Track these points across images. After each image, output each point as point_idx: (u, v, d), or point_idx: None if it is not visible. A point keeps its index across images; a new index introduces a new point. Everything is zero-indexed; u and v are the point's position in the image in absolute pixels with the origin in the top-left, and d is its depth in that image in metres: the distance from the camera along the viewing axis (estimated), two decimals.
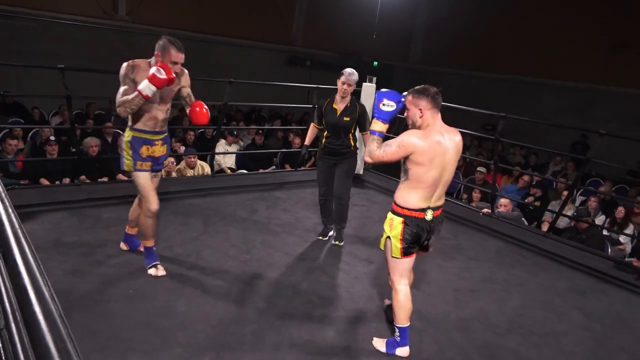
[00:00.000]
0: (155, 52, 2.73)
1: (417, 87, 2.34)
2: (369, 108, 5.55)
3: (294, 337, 2.58)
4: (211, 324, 2.59)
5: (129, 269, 3.05)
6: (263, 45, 11.94)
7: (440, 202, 2.42)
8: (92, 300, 2.66)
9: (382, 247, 2.51)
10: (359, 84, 5.76)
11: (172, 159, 5.41)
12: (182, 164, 5.69)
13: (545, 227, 5.71)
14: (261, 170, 6.28)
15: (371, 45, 13.10)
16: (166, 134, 3.00)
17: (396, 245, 2.41)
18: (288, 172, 6.00)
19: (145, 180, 2.92)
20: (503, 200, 5.36)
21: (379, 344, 2.59)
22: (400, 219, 2.38)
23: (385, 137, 2.40)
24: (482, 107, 5.71)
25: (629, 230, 5.72)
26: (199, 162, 5.77)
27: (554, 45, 11.51)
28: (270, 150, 7.23)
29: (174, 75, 2.70)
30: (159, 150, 2.97)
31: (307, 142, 4.00)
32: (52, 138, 5.59)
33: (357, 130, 3.78)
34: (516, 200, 6.09)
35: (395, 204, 2.40)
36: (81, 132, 6.52)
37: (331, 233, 4.05)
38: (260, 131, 7.74)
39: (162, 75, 2.62)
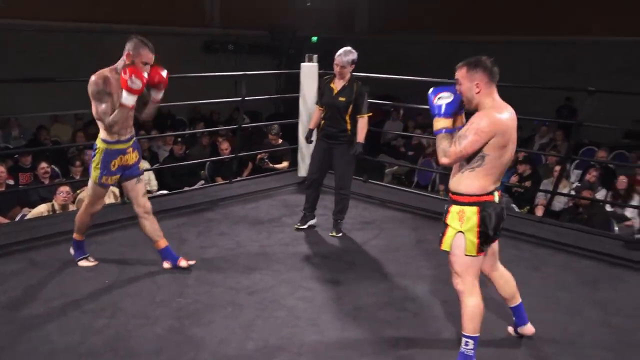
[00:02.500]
0: (126, 52, 3.20)
1: (468, 58, 2.54)
2: (311, 92, 5.62)
3: None
4: None
5: (25, 339, 2.86)
6: (170, 30, 11.72)
7: (500, 182, 2.61)
8: None
9: (446, 247, 2.60)
10: (297, 66, 5.79)
11: (66, 188, 5.18)
12: (86, 191, 5.45)
13: (540, 212, 5.91)
14: (186, 188, 6.13)
15: (308, 18, 13.20)
16: (135, 139, 3.53)
17: (472, 240, 2.52)
18: (221, 187, 5.89)
19: (102, 194, 3.57)
20: None
21: None
22: (474, 209, 2.50)
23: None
24: (452, 77, 5.86)
25: (635, 201, 6.02)
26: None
27: None
28: (194, 162, 7.09)
29: (144, 68, 3.20)
30: (132, 157, 3.50)
31: (311, 125, 4.61)
32: None
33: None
34: (503, 184, 6.25)
35: (461, 193, 2.54)
36: None
37: (312, 222, 4.63)
38: (179, 139, 7.57)
39: (138, 84, 3.15)
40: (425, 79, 4.89)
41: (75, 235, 3.70)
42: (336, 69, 4.24)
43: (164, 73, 3.37)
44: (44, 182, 5.97)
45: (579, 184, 5.89)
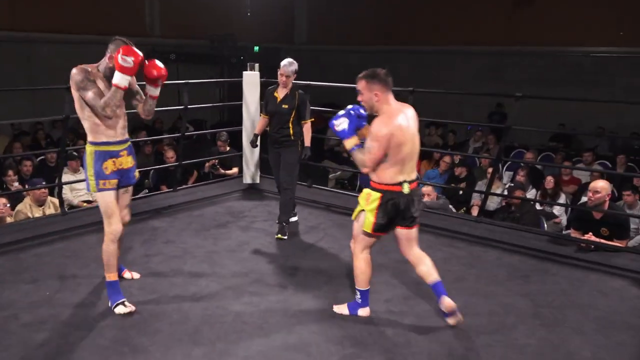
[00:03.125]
0: (109, 54, 3.07)
1: (365, 71, 2.92)
2: (254, 100, 5.63)
3: None
4: None
5: None
6: (108, 40, 11.40)
7: (414, 175, 3.01)
8: None
9: (353, 217, 3.12)
10: (241, 74, 5.79)
11: (3, 200, 4.94)
12: (26, 202, 5.23)
13: (475, 212, 6.11)
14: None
15: (249, 27, 13.15)
16: (129, 144, 3.31)
17: (369, 219, 2.98)
18: (165, 195, 5.77)
19: (109, 199, 3.17)
20: (426, 189, 5.65)
21: (341, 309, 3.24)
22: (378, 195, 2.94)
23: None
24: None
25: (562, 199, 6.32)
26: (48, 197, 5.37)
27: (457, 8, 12.42)
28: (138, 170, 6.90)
29: (141, 55, 3.02)
30: (126, 161, 3.27)
31: (257, 130, 4.85)
32: None
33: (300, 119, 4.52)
34: (440, 186, 6.45)
35: (373, 181, 2.97)
36: None
37: (293, 218, 4.83)
38: None
39: (129, 62, 2.94)
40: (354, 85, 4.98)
41: (107, 275, 3.22)
42: (281, 79, 4.45)
43: (162, 66, 3.22)
44: None
45: (512, 184, 6.13)
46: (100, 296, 3.39)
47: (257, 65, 5.85)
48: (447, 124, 10.66)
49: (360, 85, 2.90)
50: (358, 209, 3.05)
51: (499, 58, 12.39)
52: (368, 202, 2.97)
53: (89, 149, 3.15)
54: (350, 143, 2.97)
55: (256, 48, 13.18)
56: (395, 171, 2.90)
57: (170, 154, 7.15)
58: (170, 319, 3.15)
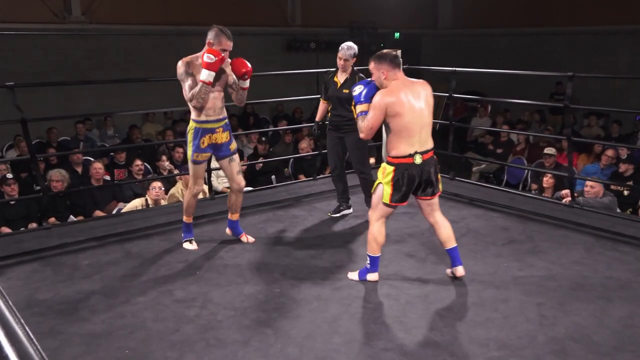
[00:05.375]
0: (208, 40, 3.60)
1: (376, 53, 3.30)
2: None
3: None
4: None
5: (121, 324, 3.06)
6: (252, 31, 12.04)
7: (428, 146, 3.30)
8: None
9: (372, 191, 3.44)
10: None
11: (159, 184, 5.46)
12: (178, 186, 5.74)
13: None
14: (270, 185, 6.29)
15: (389, 14, 13.13)
16: (226, 121, 3.95)
17: (387, 191, 3.30)
18: (304, 184, 6.00)
19: (199, 168, 3.97)
20: (590, 183, 5.21)
21: (352, 275, 3.59)
22: (392, 168, 3.26)
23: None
24: (539, 70, 5.65)
25: None
26: None
27: None
28: (278, 158, 7.25)
29: (223, 54, 3.58)
30: (221, 137, 3.91)
31: (317, 117, 5.02)
32: (10, 176, 5.71)
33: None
34: (602, 182, 5.95)
35: (387, 155, 3.32)
36: (45, 165, 6.65)
37: (346, 211, 4.93)
38: (263, 137, 7.77)
39: (212, 59, 3.51)
40: (503, 70, 4.77)
41: (184, 218, 4.11)
42: (340, 63, 4.59)
43: (248, 65, 3.75)
44: (137, 178, 6.33)
45: None
46: (245, 279, 3.63)
47: (399, 51, 5.80)
48: (609, 114, 9.79)
49: (371, 66, 3.29)
50: (376, 182, 3.37)
51: None
52: (384, 175, 3.29)
53: (191, 124, 3.84)
54: (360, 107, 3.30)
55: (397, 35, 13.12)
56: (406, 145, 3.21)
57: (304, 144, 7.39)
58: (310, 306, 3.28)
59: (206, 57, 3.52)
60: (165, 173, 6.50)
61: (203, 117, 3.80)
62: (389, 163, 3.28)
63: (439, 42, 14.45)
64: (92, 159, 6.71)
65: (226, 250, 4.10)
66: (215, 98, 3.79)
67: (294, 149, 8.24)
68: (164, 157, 6.66)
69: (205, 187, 5.70)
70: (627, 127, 9.74)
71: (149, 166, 6.93)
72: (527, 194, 5.88)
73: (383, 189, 3.30)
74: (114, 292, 3.45)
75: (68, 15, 10.11)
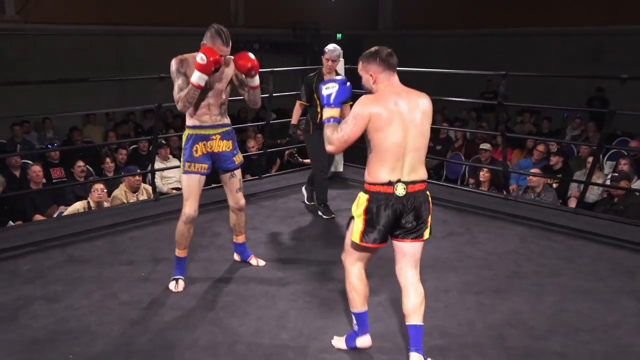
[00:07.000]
0: (202, 43, 3.16)
1: (367, 51, 2.56)
2: None
3: None
4: None
5: (64, 329, 2.96)
6: (194, 31, 11.77)
7: (417, 176, 2.49)
8: None
9: (346, 227, 2.65)
10: (321, 63, 5.86)
11: (101, 186, 5.30)
12: (121, 188, 5.59)
13: (572, 203, 5.83)
14: (213, 185, 6.21)
15: (331, 15, 13.21)
16: (227, 129, 3.45)
17: (357, 226, 2.51)
18: (250, 182, 5.95)
19: (192, 182, 3.34)
20: (533, 179, 5.46)
21: (338, 342, 2.80)
22: (366, 196, 2.49)
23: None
24: (475, 70, 5.81)
25: None
26: (142, 184, 5.71)
27: None
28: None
29: (220, 56, 3.12)
30: (218, 145, 3.39)
31: (293, 120, 4.89)
32: None
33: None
34: (534, 175, 6.17)
35: (364, 180, 2.53)
36: None
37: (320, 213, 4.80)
38: None
39: (204, 60, 3.04)
40: (440, 70, 4.90)
41: (176, 250, 3.49)
42: (328, 64, 4.61)
43: (252, 56, 3.30)
44: (79, 180, 6.12)
45: (615, 174, 5.79)
46: (192, 278, 3.57)
47: (340, 52, 5.86)
48: (540, 111, 10.20)
49: (359, 66, 2.58)
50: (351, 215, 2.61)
51: (599, 39, 11.64)
52: (357, 206, 2.52)
53: (185, 131, 3.39)
54: (329, 112, 2.55)
55: (339, 36, 13.22)
56: (385, 167, 2.43)
57: (251, 143, 7.36)
58: (258, 303, 3.26)
59: (199, 57, 3.05)
60: (109, 175, 6.31)
61: (196, 122, 3.33)
62: (363, 190, 2.52)
63: (379, 42, 14.56)
64: (31, 162, 6.43)
65: (171, 250, 4.01)
66: (211, 104, 3.32)
67: (240, 148, 8.16)
68: (107, 160, 6.47)
69: (149, 188, 5.58)
70: (556, 124, 10.19)
71: (90, 169, 6.70)
72: (465, 188, 6.05)
73: (354, 224, 2.54)
74: (56, 296, 3.33)
75: (2, 15, 9.67)
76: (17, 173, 6.34)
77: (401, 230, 2.51)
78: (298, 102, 4.80)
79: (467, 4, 13.11)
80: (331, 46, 4.65)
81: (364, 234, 2.49)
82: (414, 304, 2.54)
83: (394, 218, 2.47)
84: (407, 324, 2.59)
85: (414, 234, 2.52)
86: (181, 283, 3.43)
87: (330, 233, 4.45)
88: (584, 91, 11.02)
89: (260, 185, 5.74)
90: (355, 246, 2.57)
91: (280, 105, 11.86)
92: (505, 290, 3.43)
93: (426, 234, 2.55)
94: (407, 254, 2.56)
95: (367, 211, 2.47)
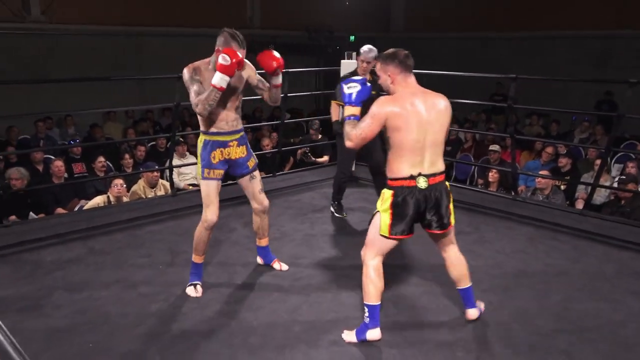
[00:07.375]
0: (217, 48, 3.03)
1: (385, 52, 2.70)
2: None
3: None
4: None
5: (84, 319, 3.00)
6: (212, 32, 11.85)
7: (436, 169, 2.64)
8: None
9: (369, 223, 2.77)
10: (337, 63, 5.86)
11: (120, 181, 5.35)
12: (140, 183, 5.64)
13: (580, 205, 5.79)
14: (230, 182, 6.24)
15: (345, 17, 13.22)
16: (242, 134, 3.33)
17: (385, 221, 2.63)
18: (264, 180, 5.93)
19: (210, 188, 3.25)
20: (542, 181, 5.42)
21: (349, 335, 2.82)
22: (390, 192, 2.62)
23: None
24: (485, 72, 5.79)
25: None
26: (160, 180, 5.76)
27: None
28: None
29: (240, 56, 2.97)
30: (235, 152, 3.30)
31: (335, 117, 4.67)
32: None
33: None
34: (543, 177, 6.13)
35: (388, 178, 2.67)
36: (5, 163, 6.43)
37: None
38: None
39: (228, 61, 2.90)
40: (451, 72, 4.88)
41: (193, 256, 3.38)
42: (363, 65, 4.41)
43: (277, 55, 3.20)
44: (100, 175, 6.19)
45: (623, 177, 5.74)
46: (208, 273, 3.59)
47: (354, 54, 5.87)
48: (549, 114, 10.13)
49: (377, 67, 2.70)
50: (376, 211, 2.72)
51: (606, 43, 11.53)
52: (382, 201, 2.64)
53: (201, 137, 3.27)
54: (350, 110, 2.65)
55: (352, 38, 13.22)
56: (406, 163, 2.57)
57: (266, 141, 7.39)
58: (271, 297, 3.29)
59: (221, 58, 2.90)
60: (128, 171, 6.37)
61: (213, 129, 3.20)
62: (387, 186, 2.65)
63: (391, 45, 14.54)
64: (53, 157, 6.51)
65: (189, 245, 4.04)
66: (228, 109, 3.19)
67: (255, 146, 8.21)
68: (126, 156, 6.53)
69: (167, 184, 5.63)
70: (565, 126, 10.12)
71: (110, 164, 6.77)
72: (474, 188, 6.03)
73: (380, 218, 2.65)
74: (76, 287, 3.37)
75: (27, 15, 9.78)
76: (40, 168, 6.43)
77: (427, 221, 2.68)
78: (334, 102, 4.67)
79: (477, 7, 13.05)
80: (366, 47, 4.40)
81: (392, 227, 2.63)
82: (459, 272, 2.89)
83: (418, 209, 2.62)
84: (457, 288, 2.93)
85: (441, 225, 2.69)
86: (199, 288, 3.33)
87: (342, 230, 4.46)
88: (593, 94, 10.92)
89: (274, 182, 5.76)
90: (383, 239, 2.67)
91: (294, 105, 11.93)
92: (512, 288, 3.43)
93: (452, 220, 2.74)
94: (440, 239, 2.83)
95: (394, 205, 2.60)
